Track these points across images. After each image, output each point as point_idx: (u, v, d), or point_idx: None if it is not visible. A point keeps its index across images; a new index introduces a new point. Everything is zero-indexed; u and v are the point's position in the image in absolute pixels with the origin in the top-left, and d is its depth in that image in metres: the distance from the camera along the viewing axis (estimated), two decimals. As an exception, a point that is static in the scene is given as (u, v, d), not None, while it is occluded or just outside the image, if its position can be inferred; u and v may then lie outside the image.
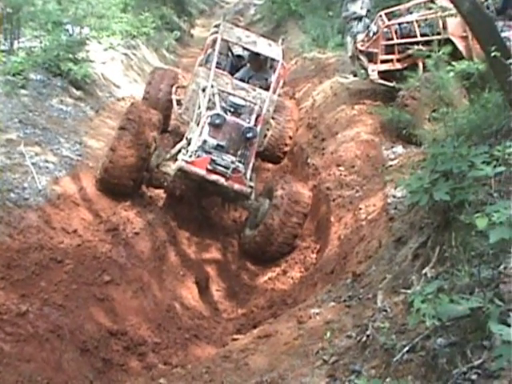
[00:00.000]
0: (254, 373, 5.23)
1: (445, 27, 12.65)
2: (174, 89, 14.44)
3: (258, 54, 13.24)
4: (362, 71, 14.29)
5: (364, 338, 5.03)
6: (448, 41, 12.09)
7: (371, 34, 13.87)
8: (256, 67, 13.59)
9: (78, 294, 8.50)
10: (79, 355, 7.56)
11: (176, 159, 11.27)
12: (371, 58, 13.64)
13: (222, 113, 11.24)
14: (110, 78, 17.48)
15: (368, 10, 17.00)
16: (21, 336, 7.00)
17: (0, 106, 12.05)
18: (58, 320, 7.79)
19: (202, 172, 10.67)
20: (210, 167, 10.68)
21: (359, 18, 16.85)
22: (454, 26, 12.57)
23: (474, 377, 3.95)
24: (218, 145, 10.87)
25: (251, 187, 11.09)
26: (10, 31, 15.49)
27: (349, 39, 16.60)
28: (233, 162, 10.79)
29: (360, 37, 14.72)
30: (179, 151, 11.48)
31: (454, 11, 11.27)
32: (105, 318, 8.40)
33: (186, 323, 9.13)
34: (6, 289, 7.75)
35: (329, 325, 5.72)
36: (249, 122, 11.34)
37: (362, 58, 13.96)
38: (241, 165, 10.93)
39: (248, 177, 11.07)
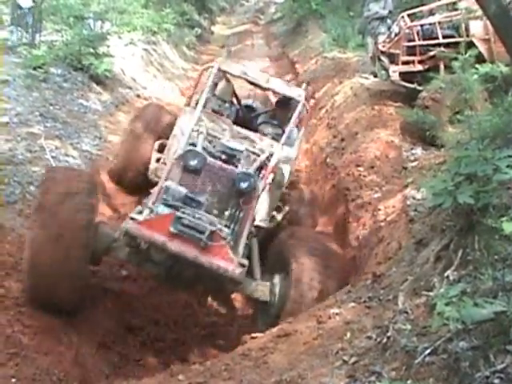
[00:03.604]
0: (274, 371, 5.22)
1: (467, 29, 12.61)
2: (156, 145, 10.61)
3: (288, 100, 10.32)
4: (383, 72, 14.28)
5: (384, 340, 5.01)
6: (470, 43, 12.06)
7: (393, 35, 13.85)
8: (283, 115, 10.49)
9: (95, 288, 8.52)
10: (96, 350, 7.58)
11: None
12: (392, 58, 13.61)
13: (200, 150, 8.15)
14: (131, 74, 17.53)
15: (390, 11, 16.97)
16: (38, 329, 7.01)
17: (21, 99, 12.09)
18: (76, 314, 7.81)
19: (160, 238, 7.08)
20: (173, 229, 7.04)
21: (381, 19, 16.82)
22: (476, 28, 12.53)
23: (496, 381, 3.93)
24: (189, 197, 7.55)
25: (243, 266, 7.41)
26: (32, 25, 15.52)
27: (370, 39, 16.58)
28: (212, 224, 7.24)
29: (381, 37, 14.71)
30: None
31: (477, 13, 11.29)
32: (122, 313, 8.41)
33: (202, 320, 9.11)
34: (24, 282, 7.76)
35: (349, 325, 5.70)
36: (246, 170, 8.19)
37: (383, 58, 13.93)
38: (226, 229, 7.50)
39: (240, 251, 7.66)
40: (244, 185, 7.71)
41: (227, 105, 10.63)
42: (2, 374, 5.93)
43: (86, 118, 13.12)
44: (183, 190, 7.56)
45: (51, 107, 12.48)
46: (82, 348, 7.31)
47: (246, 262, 7.57)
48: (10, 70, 13.14)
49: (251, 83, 10.45)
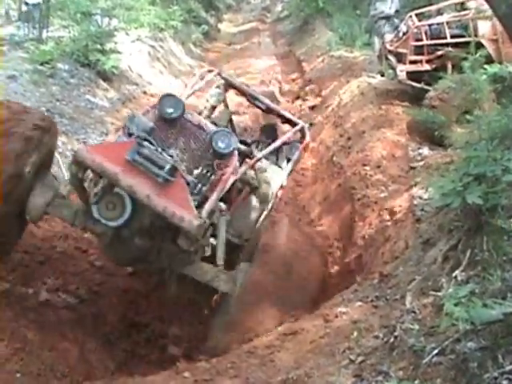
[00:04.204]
0: (280, 370, 5.20)
1: (475, 29, 12.59)
2: None
3: (274, 129, 9.53)
4: (390, 71, 14.24)
5: (392, 339, 4.99)
6: (478, 43, 12.04)
7: (401, 34, 13.83)
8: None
9: (101, 284, 8.52)
10: (101, 345, 7.57)
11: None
12: (400, 58, 13.59)
13: (181, 99, 7.04)
14: (137, 70, 17.55)
15: (396, 10, 16.96)
16: (43, 324, 7.00)
17: (28, 95, 12.09)
18: (81, 310, 7.81)
19: (113, 168, 5.91)
20: (128, 157, 5.93)
21: (387, 18, 16.82)
22: (485, 28, 12.52)
23: (504, 382, 3.92)
24: (160, 147, 6.34)
25: (204, 221, 6.16)
26: (39, 20, 15.53)
27: (376, 39, 16.57)
28: (174, 161, 6.17)
29: (388, 36, 14.68)
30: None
31: (486, 13, 11.28)
32: (127, 310, 8.40)
33: (206, 317, 9.11)
34: (29, 276, 7.77)
35: (356, 324, 5.69)
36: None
37: (390, 57, 13.90)
38: (192, 178, 6.50)
39: (205, 213, 6.25)
40: (221, 145, 6.64)
41: None
42: (7, 368, 5.92)
43: (93, 114, 13.13)
44: (149, 124, 6.47)
45: (58, 103, 12.49)
46: (86, 344, 7.29)
47: (207, 221, 6.39)
48: (16, 65, 13.17)
49: (250, 100, 9.54)
